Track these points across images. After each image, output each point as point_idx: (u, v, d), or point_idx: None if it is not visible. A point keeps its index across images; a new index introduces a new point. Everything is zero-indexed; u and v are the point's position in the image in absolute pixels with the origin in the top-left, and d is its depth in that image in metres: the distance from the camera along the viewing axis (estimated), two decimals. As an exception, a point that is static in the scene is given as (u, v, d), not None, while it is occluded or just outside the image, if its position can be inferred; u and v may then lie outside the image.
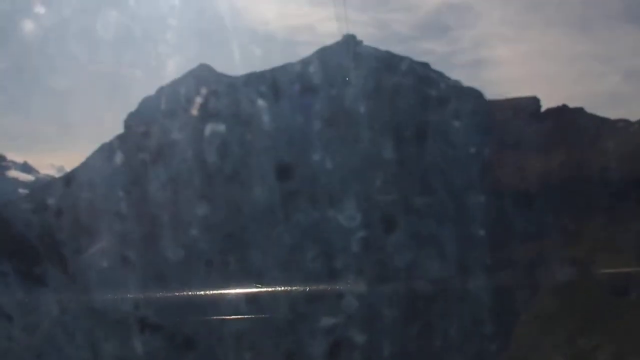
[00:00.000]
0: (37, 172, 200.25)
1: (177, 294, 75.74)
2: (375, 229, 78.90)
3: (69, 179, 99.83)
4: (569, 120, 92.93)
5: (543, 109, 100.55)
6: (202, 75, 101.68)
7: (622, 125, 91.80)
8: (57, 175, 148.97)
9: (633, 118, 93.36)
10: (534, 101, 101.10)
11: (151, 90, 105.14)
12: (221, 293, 75.31)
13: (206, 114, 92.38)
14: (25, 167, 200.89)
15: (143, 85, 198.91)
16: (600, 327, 53.92)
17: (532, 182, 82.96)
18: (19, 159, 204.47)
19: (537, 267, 68.80)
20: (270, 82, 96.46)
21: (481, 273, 69.78)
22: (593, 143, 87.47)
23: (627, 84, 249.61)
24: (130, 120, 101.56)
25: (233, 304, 73.65)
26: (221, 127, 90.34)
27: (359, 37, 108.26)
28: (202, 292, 76.09)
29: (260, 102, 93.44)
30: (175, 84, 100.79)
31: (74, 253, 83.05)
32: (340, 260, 76.30)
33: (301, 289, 75.56)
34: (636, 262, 60.67)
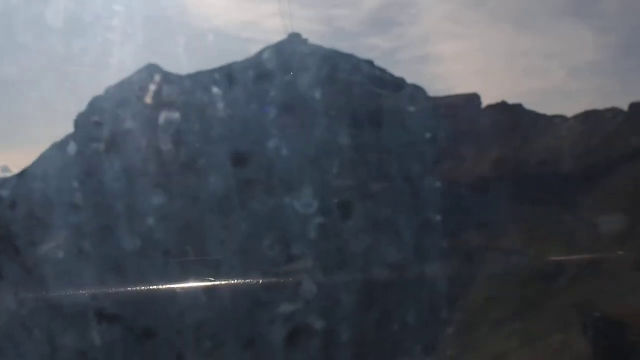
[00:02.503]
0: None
1: (134, 285, 74.56)
2: (332, 216, 79.15)
3: (22, 174, 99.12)
4: (507, 117, 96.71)
5: (484, 105, 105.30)
6: (151, 74, 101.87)
7: (558, 121, 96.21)
8: (1, 174, 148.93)
9: (578, 113, 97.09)
10: (475, 98, 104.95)
11: (96, 90, 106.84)
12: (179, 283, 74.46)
13: (160, 103, 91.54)
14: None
15: (85, 84, 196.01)
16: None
17: (469, 177, 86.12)
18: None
19: (474, 256, 70.73)
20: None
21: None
22: (530, 138, 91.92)
23: (572, 79, 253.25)
24: (81, 120, 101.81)
25: (192, 293, 72.73)
26: (175, 116, 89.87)
27: (304, 33, 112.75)
28: (160, 284, 75.09)
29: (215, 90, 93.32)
30: (124, 83, 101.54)
31: (29, 245, 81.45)
32: (297, 247, 76.42)
33: (259, 277, 75.25)
34: (567, 250, 63.73)
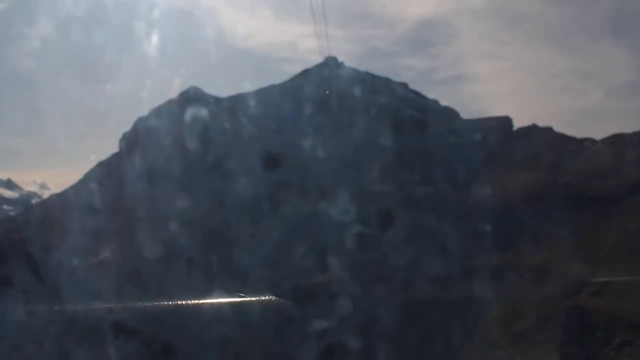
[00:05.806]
0: (20, 188, 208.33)
1: (155, 296, 71.51)
2: (371, 224, 74.78)
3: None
4: (538, 139, 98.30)
5: (516, 127, 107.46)
6: (193, 96, 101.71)
7: (588, 144, 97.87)
8: (39, 191, 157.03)
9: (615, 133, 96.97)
10: (506, 121, 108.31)
11: (137, 110, 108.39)
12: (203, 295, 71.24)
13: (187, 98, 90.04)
14: (9, 184, 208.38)
15: (125, 104, 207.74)
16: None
17: (498, 198, 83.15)
18: (3, 175, 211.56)
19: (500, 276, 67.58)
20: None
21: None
22: (559, 160, 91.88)
23: (609, 100, 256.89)
24: (126, 140, 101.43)
25: (216, 306, 69.40)
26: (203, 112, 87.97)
27: (339, 54, 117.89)
28: (183, 295, 71.84)
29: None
30: (165, 106, 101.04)
31: (43, 251, 77.88)
32: (333, 258, 72.12)
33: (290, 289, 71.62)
34: (595, 269, 63.09)
